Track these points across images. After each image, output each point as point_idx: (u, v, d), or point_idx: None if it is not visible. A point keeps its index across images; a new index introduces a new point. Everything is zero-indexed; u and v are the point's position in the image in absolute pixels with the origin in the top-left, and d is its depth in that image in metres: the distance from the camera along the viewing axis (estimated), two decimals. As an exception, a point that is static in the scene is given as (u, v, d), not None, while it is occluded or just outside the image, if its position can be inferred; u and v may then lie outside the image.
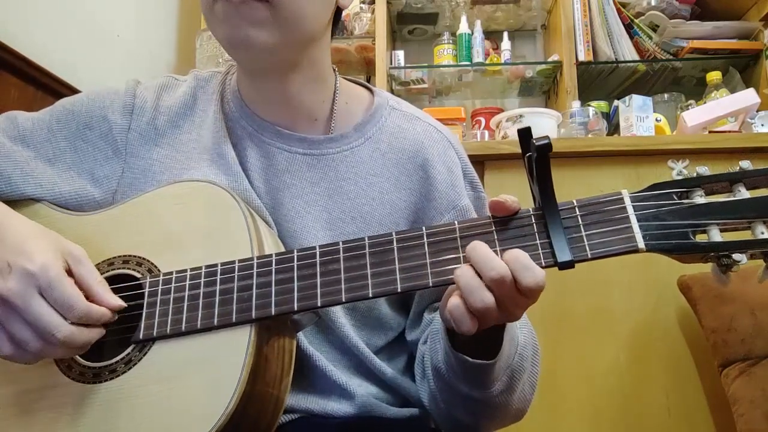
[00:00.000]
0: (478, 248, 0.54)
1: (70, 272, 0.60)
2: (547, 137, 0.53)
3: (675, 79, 2.09)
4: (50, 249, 0.59)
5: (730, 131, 1.58)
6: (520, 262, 0.52)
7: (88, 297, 0.60)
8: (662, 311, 1.40)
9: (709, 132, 1.58)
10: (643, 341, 1.39)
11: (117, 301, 0.61)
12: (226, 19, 0.65)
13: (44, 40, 1.33)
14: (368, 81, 2.19)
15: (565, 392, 1.37)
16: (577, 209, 0.56)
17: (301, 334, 0.69)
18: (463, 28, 2.09)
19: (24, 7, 1.29)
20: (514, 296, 0.53)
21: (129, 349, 0.61)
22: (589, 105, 1.82)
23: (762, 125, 1.53)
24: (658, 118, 1.70)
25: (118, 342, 0.62)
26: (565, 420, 1.36)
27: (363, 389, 0.72)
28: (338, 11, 0.76)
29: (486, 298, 0.52)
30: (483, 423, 0.69)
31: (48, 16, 1.37)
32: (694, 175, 0.55)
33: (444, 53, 2.11)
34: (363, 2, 2.10)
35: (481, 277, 0.53)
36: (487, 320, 0.54)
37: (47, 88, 1.31)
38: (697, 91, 1.97)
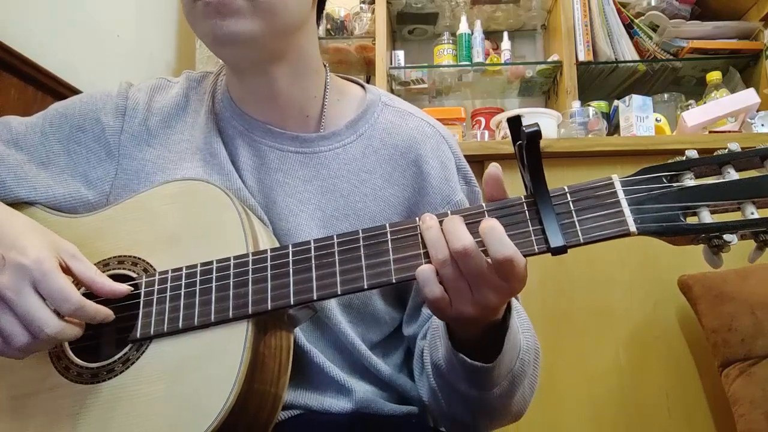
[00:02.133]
0: (452, 221, 0.55)
1: (65, 269, 0.60)
2: (536, 124, 0.53)
3: (675, 79, 2.09)
4: (44, 244, 0.59)
5: (730, 131, 1.58)
6: (494, 233, 0.53)
7: (91, 290, 0.60)
8: (662, 311, 1.39)
9: (709, 132, 1.58)
10: (643, 341, 1.39)
11: (121, 287, 0.61)
12: (206, 17, 0.64)
13: (44, 40, 1.34)
14: (368, 81, 2.19)
15: (565, 392, 1.37)
16: (568, 195, 0.56)
17: (298, 332, 0.69)
18: (463, 28, 2.09)
19: (24, 7, 1.29)
20: (488, 276, 0.53)
21: (126, 349, 0.61)
22: (589, 105, 1.82)
23: (762, 125, 1.53)
24: (658, 118, 1.69)
25: (115, 342, 0.62)
26: (565, 419, 1.36)
27: (360, 386, 0.72)
28: None
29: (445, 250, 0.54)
30: (481, 422, 0.69)
31: (48, 16, 1.38)
32: (684, 158, 0.56)
33: (444, 53, 2.11)
34: (363, 2, 2.11)
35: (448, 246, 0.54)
36: (460, 297, 0.54)
37: (47, 88, 1.31)
38: (697, 91, 1.97)
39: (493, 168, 0.57)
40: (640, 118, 1.65)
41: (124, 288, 0.62)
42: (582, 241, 0.54)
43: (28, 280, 0.56)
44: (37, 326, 0.56)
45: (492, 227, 0.53)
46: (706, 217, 0.53)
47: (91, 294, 0.61)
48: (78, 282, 0.61)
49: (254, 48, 0.68)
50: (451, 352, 0.62)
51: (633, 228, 0.53)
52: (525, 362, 0.65)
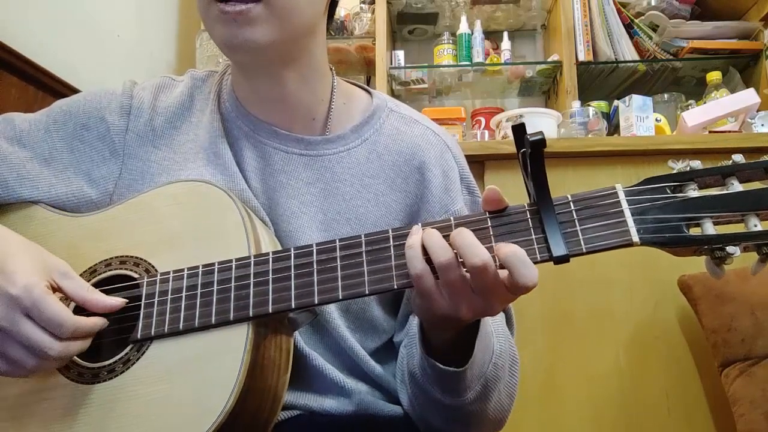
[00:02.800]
0: (464, 234, 0.54)
1: (57, 288, 0.60)
2: (540, 132, 0.53)
3: (675, 79, 2.09)
4: (33, 266, 0.59)
5: (730, 131, 1.57)
6: (518, 258, 0.52)
7: (85, 308, 0.60)
8: (662, 311, 1.39)
9: (709, 132, 1.58)
10: (643, 341, 1.39)
11: (115, 301, 0.61)
12: (222, 23, 0.65)
13: (44, 40, 1.34)
14: (368, 81, 2.19)
15: (566, 392, 1.37)
16: (571, 204, 0.56)
17: (297, 335, 0.69)
18: (463, 28, 2.09)
19: (24, 7, 1.29)
20: (499, 290, 0.53)
21: (127, 349, 0.61)
22: (589, 105, 1.82)
23: (762, 125, 1.53)
24: (658, 118, 1.69)
25: (116, 342, 0.62)
26: (565, 420, 1.36)
27: (360, 388, 0.72)
28: (333, 2, 0.75)
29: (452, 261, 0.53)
30: (458, 430, 0.68)
31: (48, 16, 1.38)
32: (688, 168, 0.56)
33: (444, 53, 2.11)
34: (363, 2, 2.10)
35: (463, 265, 0.53)
36: (459, 299, 0.54)
37: (47, 88, 1.31)
38: (697, 91, 1.97)
39: (492, 192, 0.56)
40: (640, 118, 1.65)
41: (117, 302, 0.61)
42: (584, 250, 0.54)
43: (20, 310, 0.56)
44: (40, 350, 0.56)
45: (515, 253, 0.52)
46: (709, 228, 0.53)
47: None
48: (70, 300, 0.61)
49: (268, 53, 0.68)
50: (424, 357, 0.62)
51: (636, 238, 0.53)
52: (499, 366, 0.65)
